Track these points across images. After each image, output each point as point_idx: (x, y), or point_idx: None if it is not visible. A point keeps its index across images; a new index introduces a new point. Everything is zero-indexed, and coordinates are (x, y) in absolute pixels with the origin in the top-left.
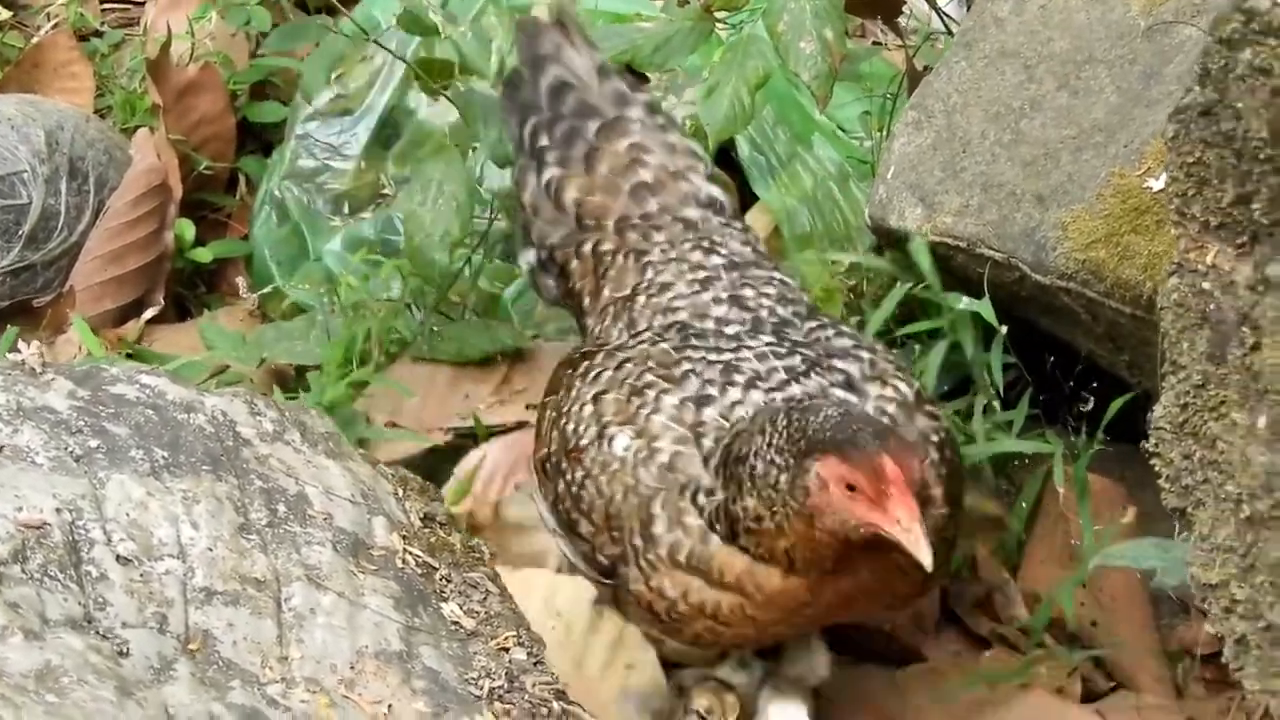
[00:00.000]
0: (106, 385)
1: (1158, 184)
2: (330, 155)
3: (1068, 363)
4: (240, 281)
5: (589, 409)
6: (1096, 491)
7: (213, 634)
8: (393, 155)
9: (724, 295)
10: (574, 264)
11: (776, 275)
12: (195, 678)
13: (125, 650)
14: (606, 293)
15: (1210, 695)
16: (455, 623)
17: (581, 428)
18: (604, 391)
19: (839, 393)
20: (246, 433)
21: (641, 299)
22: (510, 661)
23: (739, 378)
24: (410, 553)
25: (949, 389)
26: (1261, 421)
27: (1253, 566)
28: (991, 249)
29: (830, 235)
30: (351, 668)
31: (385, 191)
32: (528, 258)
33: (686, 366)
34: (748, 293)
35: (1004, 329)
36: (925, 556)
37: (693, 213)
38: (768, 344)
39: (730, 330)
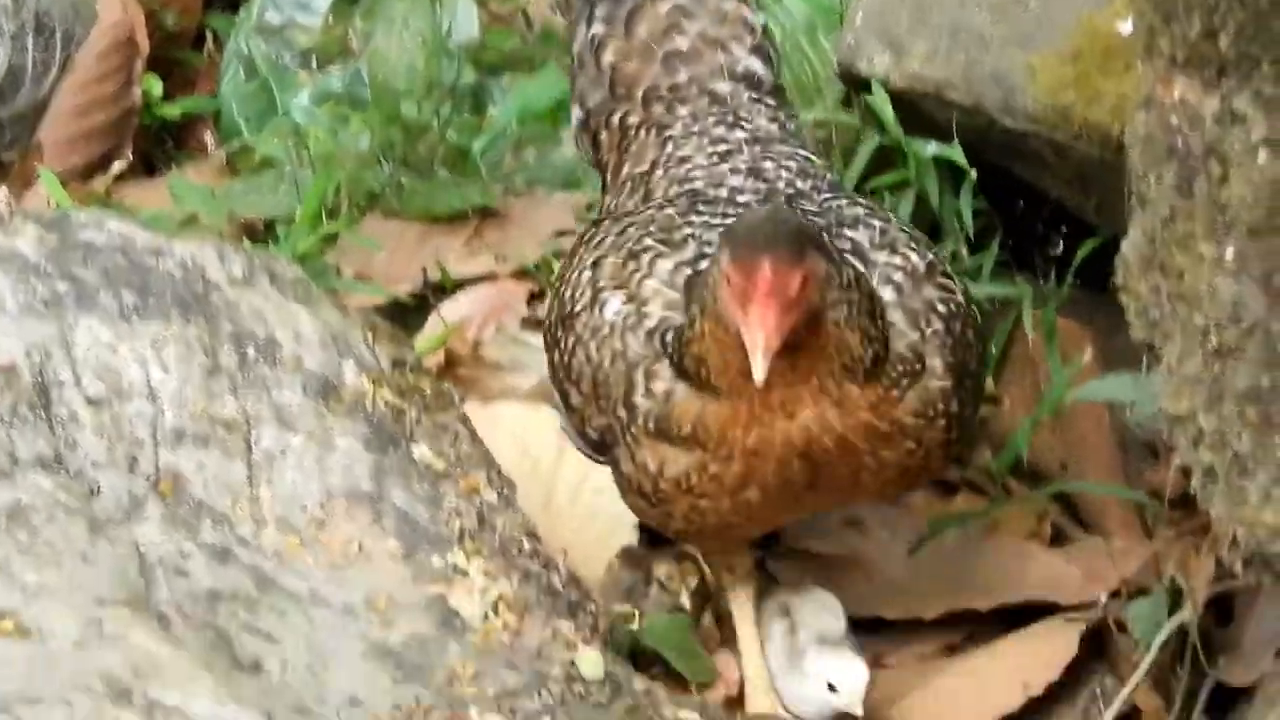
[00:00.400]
0: (75, 231)
1: (1127, 26)
2: (297, 10)
3: (1036, 208)
4: (208, 137)
5: (587, 274)
6: (1065, 336)
7: (183, 475)
8: (360, 8)
9: (742, 167)
10: (603, 134)
11: (801, 152)
12: (166, 517)
13: (95, 490)
14: (626, 169)
15: (1178, 538)
16: (425, 464)
17: (577, 293)
18: (603, 256)
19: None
20: (216, 278)
21: (659, 172)
22: (481, 502)
23: None
24: (380, 395)
25: None
26: (1229, 253)
27: (1220, 396)
28: (960, 93)
29: (799, 88)
30: (321, 508)
31: (353, 45)
32: (574, 112)
33: (687, 231)
34: (767, 165)
35: (973, 172)
36: (757, 367)
37: (723, 86)
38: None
39: (742, 199)
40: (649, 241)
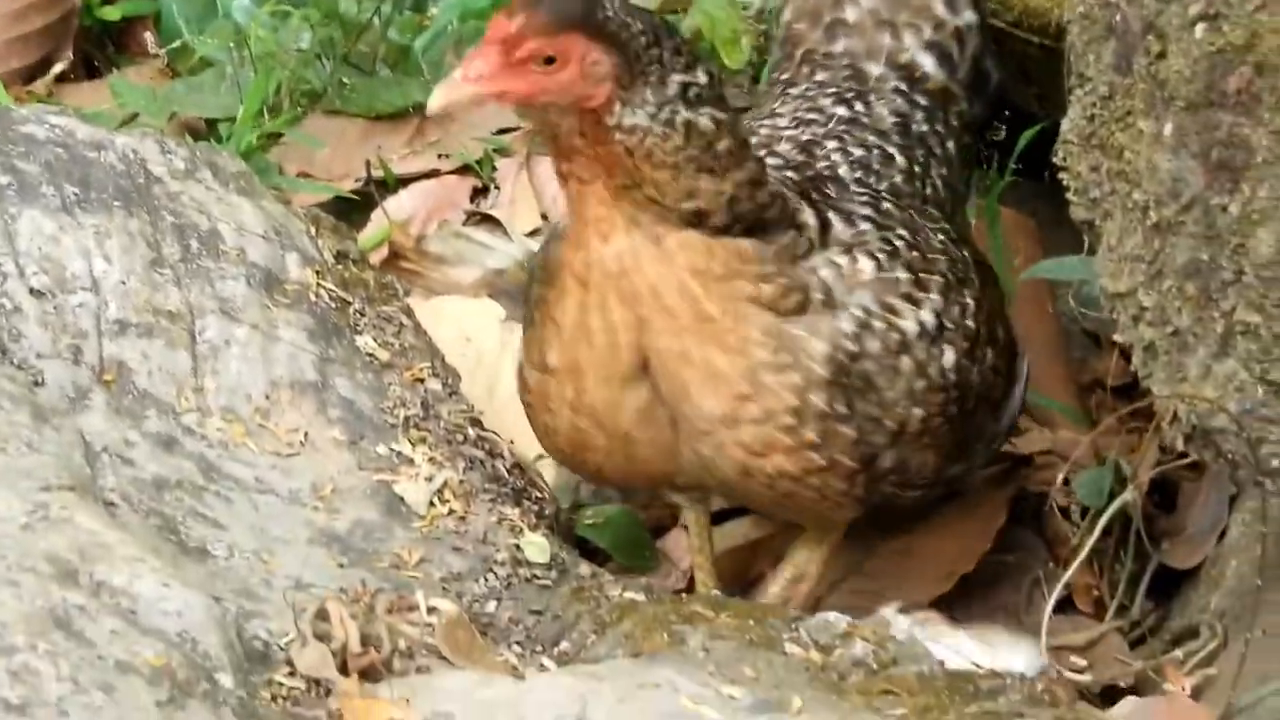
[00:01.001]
0: (15, 125)
1: None
2: None
3: None
4: (149, 38)
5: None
6: (1008, 224)
7: (127, 365)
8: None
9: (804, 138)
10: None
11: (889, 149)
12: (111, 407)
13: (40, 380)
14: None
15: (1121, 426)
16: (370, 354)
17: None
18: None
19: None
20: (158, 170)
21: (745, 121)
22: (426, 391)
23: None
24: (324, 287)
25: None
26: (1167, 129)
27: (1160, 273)
28: None
29: None
30: (266, 398)
31: None
32: None
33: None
34: (830, 144)
35: None
36: (434, 99)
37: (874, 68)
38: (784, 177)
39: (770, 163)
40: None
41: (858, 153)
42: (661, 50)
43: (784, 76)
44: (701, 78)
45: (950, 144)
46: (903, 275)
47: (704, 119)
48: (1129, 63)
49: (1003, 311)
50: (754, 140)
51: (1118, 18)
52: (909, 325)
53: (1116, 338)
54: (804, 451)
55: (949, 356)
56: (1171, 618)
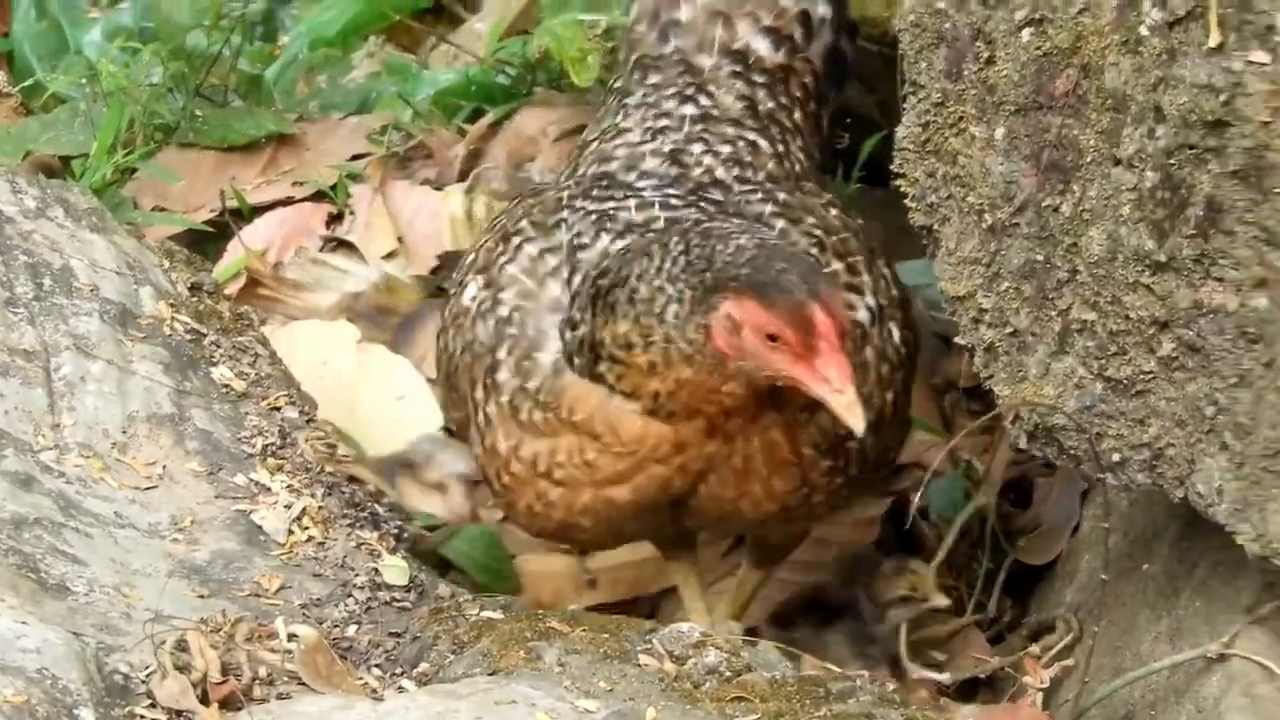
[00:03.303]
0: None
1: None
2: None
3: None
4: (1, 77)
5: (470, 256)
6: None
7: None
8: None
9: (667, 148)
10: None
11: (750, 137)
12: None
13: None
14: (586, 134)
15: (975, 426)
16: (226, 385)
17: (457, 275)
18: (487, 236)
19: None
20: (9, 210)
21: (595, 143)
22: (282, 420)
23: (611, 225)
24: (178, 320)
25: None
26: (999, 132)
27: (997, 275)
28: None
29: None
30: (124, 432)
31: None
32: None
33: (563, 215)
34: (695, 148)
35: None
36: (858, 421)
37: (705, 60)
38: (667, 195)
39: (645, 183)
40: (524, 224)
41: (725, 150)
42: None
43: (618, 85)
44: None
45: (797, 114)
46: (838, 265)
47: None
48: (959, 69)
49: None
50: (615, 163)
51: (947, 25)
52: (862, 315)
53: (958, 340)
54: (833, 481)
55: (895, 332)
56: (1029, 613)
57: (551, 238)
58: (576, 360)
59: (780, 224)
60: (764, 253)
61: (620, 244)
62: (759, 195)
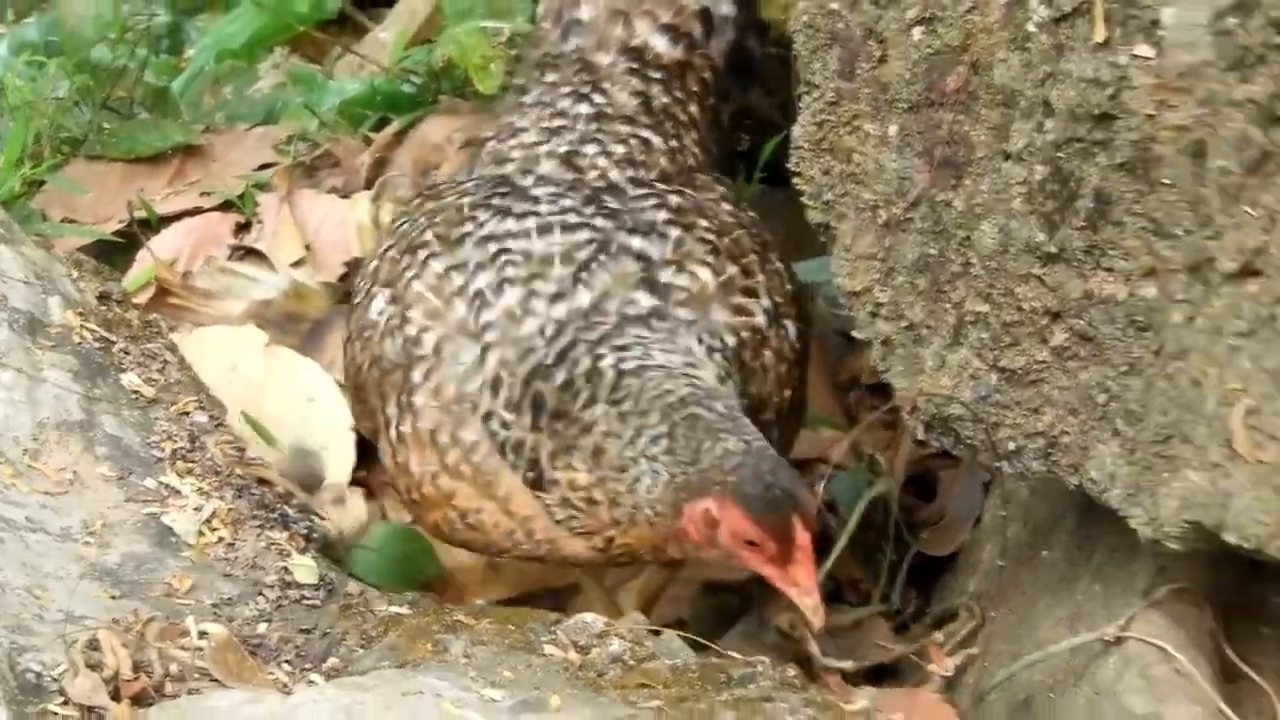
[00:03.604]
0: None
1: None
2: None
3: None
4: None
5: (374, 263)
6: None
7: None
8: None
9: (562, 150)
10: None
11: (643, 134)
12: None
13: None
14: (484, 132)
15: (879, 421)
16: (135, 392)
17: (361, 283)
18: (392, 245)
19: (631, 307)
20: None
21: (492, 143)
22: (191, 424)
23: (514, 271)
24: (87, 328)
25: None
26: (892, 130)
27: (892, 270)
28: None
29: (490, 6)
30: (34, 439)
31: None
32: None
33: (467, 229)
34: (589, 149)
35: None
36: (819, 619)
37: (603, 58)
38: (565, 210)
39: (541, 190)
40: (429, 236)
41: (619, 150)
42: None
43: (518, 82)
44: None
45: (693, 107)
46: (733, 270)
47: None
48: (853, 69)
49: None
50: (511, 165)
51: (840, 25)
52: (759, 320)
53: (855, 334)
54: None
55: (791, 328)
56: (932, 603)
57: (457, 253)
58: (513, 461)
59: (675, 233)
60: (751, 460)
61: (533, 310)
62: (653, 201)
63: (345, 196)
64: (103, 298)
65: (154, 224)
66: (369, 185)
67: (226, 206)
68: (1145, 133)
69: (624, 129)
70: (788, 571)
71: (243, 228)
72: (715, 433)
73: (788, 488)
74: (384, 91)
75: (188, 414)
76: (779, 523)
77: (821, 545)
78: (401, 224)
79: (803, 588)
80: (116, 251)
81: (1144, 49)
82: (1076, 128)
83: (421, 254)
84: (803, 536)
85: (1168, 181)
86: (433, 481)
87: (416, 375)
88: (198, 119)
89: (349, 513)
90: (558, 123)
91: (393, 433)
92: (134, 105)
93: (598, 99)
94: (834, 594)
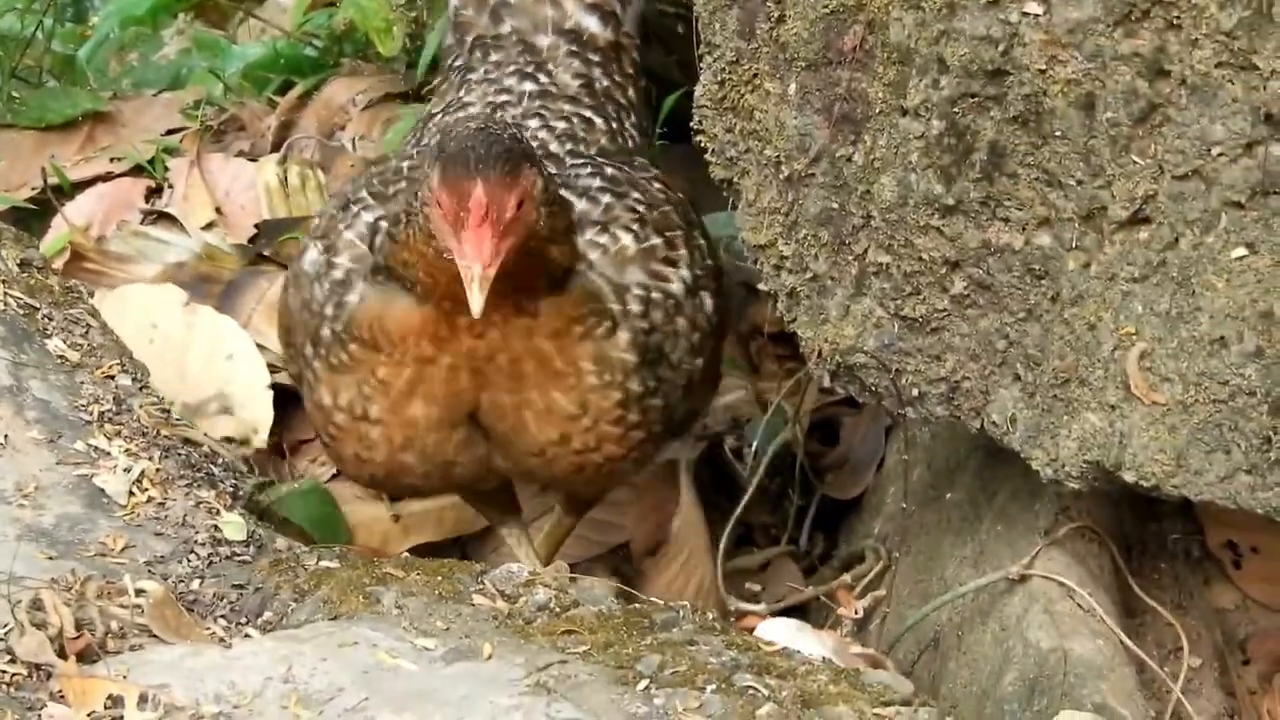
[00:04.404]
0: None
1: None
2: None
3: None
4: None
5: (315, 221)
6: None
7: None
8: None
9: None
10: (442, 78)
11: (585, 114)
12: None
13: None
14: (429, 109)
15: (780, 370)
16: (60, 356)
17: (303, 238)
18: (331, 203)
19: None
20: None
21: (438, 116)
22: (117, 387)
23: None
24: (11, 295)
25: None
26: (791, 88)
27: (796, 223)
28: None
29: None
30: None
31: None
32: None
33: (400, 187)
34: (531, 124)
35: None
36: (475, 300)
37: (542, 39)
38: None
39: None
40: (364, 193)
41: (560, 125)
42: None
43: (459, 63)
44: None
45: (630, 90)
46: (656, 240)
47: (560, 188)
48: (752, 29)
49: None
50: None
51: None
52: (676, 287)
53: (761, 286)
54: (630, 433)
55: (708, 301)
56: (839, 545)
57: (388, 205)
58: (381, 259)
59: (606, 199)
60: (477, 133)
61: None
62: (589, 170)
63: (253, 159)
64: (24, 264)
65: (67, 190)
66: (276, 148)
67: (137, 171)
68: (1036, 87)
69: (567, 108)
70: (461, 240)
71: (154, 192)
72: (474, 118)
73: (492, 152)
74: (287, 55)
75: (112, 377)
76: (457, 181)
77: (734, 491)
78: (344, 186)
79: (468, 257)
80: (31, 217)
81: (1033, 6)
82: (970, 83)
83: (355, 208)
84: (479, 200)
85: (1059, 134)
86: (336, 403)
87: (329, 309)
88: (105, 86)
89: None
90: (502, 98)
91: (310, 373)
92: (42, 74)
93: (542, 79)
94: (744, 538)
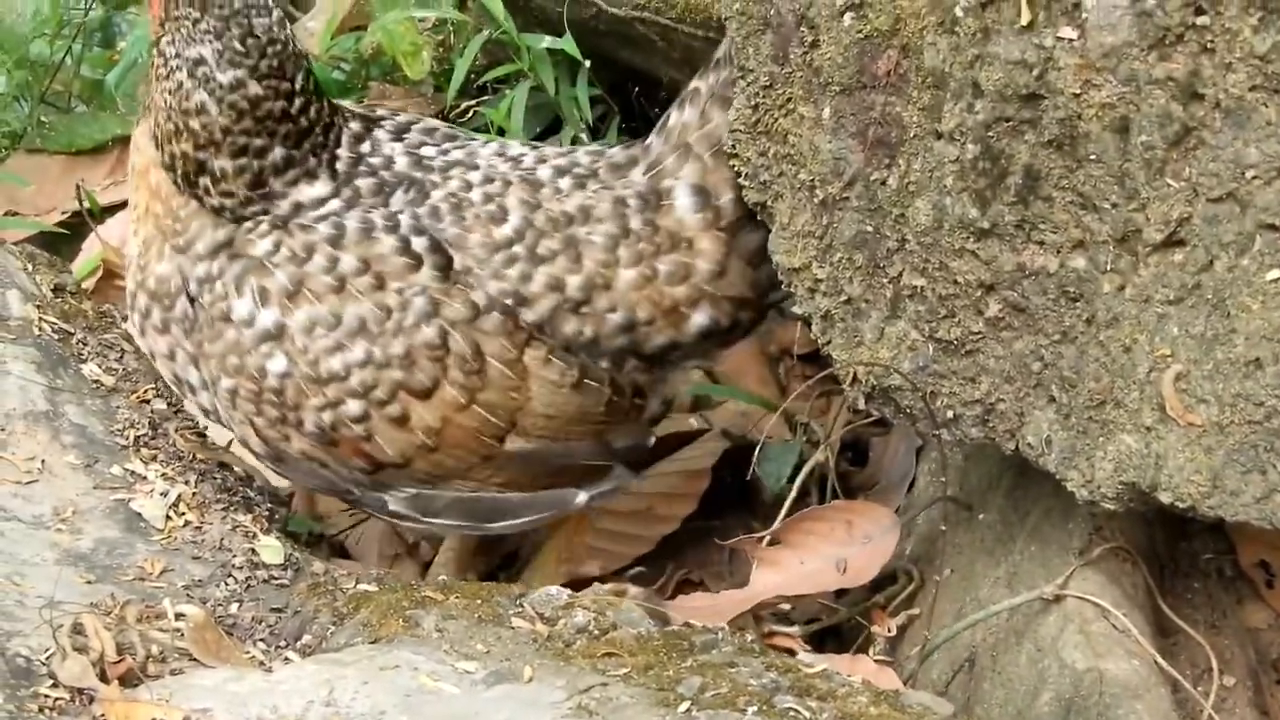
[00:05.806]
0: None
1: None
2: None
3: (650, 91)
4: None
5: None
6: None
7: None
8: None
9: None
10: None
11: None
12: None
13: None
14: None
15: (812, 391)
16: (96, 381)
17: None
18: None
19: None
20: None
21: None
22: (152, 411)
23: None
24: (46, 320)
25: (541, 130)
26: (826, 112)
27: (830, 246)
28: None
29: None
30: (2, 430)
31: None
32: None
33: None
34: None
35: (587, 62)
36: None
37: None
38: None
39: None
40: None
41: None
42: (202, 16)
43: None
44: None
45: None
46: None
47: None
48: (785, 54)
49: None
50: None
51: (772, 12)
52: None
53: (795, 310)
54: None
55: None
56: None
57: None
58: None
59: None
60: None
61: None
62: (452, 144)
63: None
64: (58, 290)
65: (96, 214)
66: None
67: None
68: (1071, 111)
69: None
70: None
71: None
72: None
73: None
74: (315, 78)
75: (147, 402)
76: None
77: (754, 512)
78: None
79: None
80: (60, 242)
81: (1068, 31)
82: (1005, 108)
83: None
84: None
85: (1094, 157)
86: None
87: None
88: (133, 110)
89: None
90: None
91: None
92: (71, 99)
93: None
94: None
